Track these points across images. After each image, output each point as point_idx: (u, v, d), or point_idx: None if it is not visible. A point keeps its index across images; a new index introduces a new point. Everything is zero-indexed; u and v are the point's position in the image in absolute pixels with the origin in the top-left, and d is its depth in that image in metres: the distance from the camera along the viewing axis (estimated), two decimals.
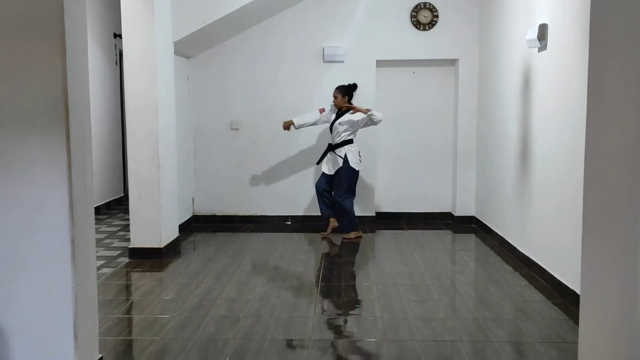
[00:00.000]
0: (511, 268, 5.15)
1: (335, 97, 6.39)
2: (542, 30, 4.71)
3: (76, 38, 2.69)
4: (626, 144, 1.82)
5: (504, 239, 5.84)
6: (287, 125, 6.40)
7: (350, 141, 6.31)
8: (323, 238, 6.45)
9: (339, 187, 6.32)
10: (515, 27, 5.53)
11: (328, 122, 6.49)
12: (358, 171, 6.40)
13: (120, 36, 7.01)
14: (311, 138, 7.02)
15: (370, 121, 6.21)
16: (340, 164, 6.28)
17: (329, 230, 6.51)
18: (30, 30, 2.57)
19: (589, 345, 2.10)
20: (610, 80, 1.94)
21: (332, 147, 6.39)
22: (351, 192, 6.39)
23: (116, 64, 8.72)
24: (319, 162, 6.58)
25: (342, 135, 6.30)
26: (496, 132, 6.20)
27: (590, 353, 2.10)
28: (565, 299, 4.22)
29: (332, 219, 6.51)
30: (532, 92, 5.05)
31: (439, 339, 3.61)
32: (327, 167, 6.41)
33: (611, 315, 1.93)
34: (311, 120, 6.45)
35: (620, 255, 1.87)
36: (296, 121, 6.41)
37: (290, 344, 3.56)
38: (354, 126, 6.30)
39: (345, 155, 6.27)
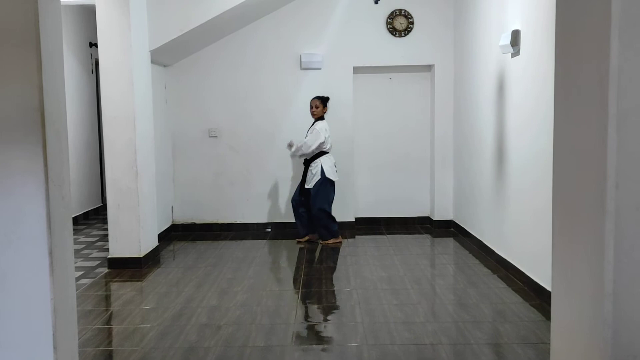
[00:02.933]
0: (489, 271, 5.22)
1: (317, 106, 6.35)
2: (515, 36, 4.80)
3: (52, 49, 2.68)
4: (592, 147, 1.88)
5: (481, 242, 5.92)
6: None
7: (322, 153, 6.32)
8: (298, 242, 6.53)
9: (315, 197, 6.30)
10: (489, 33, 5.63)
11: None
12: (334, 181, 6.40)
13: (96, 45, 6.99)
14: None
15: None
16: (319, 176, 6.27)
17: (305, 238, 6.58)
18: (5, 41, 2.56)
19: (561, 344, 2.15)
20: (576, 85, 2.00)
21: (307, 162, 6.41)
22: (329, 201, 6.37)
23: (92, 72, 8.66)
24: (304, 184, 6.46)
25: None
26: (472, 136, 6.28)
27: (562, 351, 2.15)
28: (542, 300, 4.29)
29: (309, 236, 6.59)
30: (507, 97, 5.13)
31: (419, 342, 3.64)
32: (307, 181, 6.40)
33: (581, 314, 1.98)
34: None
35: (588, 255, 1.93)
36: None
37: (271, 351, 3.57)
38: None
39: (321, 167, 6.27)
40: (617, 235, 1.79)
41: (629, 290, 1.81)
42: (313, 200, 6.32)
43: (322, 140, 6.24)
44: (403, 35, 7.06)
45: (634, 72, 1.76)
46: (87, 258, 5.97)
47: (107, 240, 5.64)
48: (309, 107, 6.46)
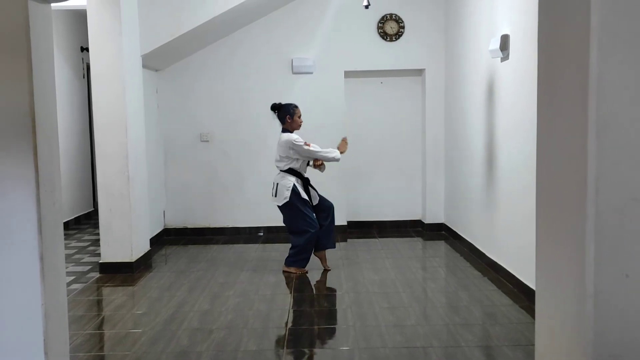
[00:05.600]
0: (480, 273, 5.25)
1: (299, 115, 5.46)
2: (504, 41, 4.84)
3: (42, 54, 2.69)
4: (573, 152, 1.91)
5: (472, 245, 5.95)
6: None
7: (292, 170, 5.47)
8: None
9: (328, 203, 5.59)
10: (479, 38, 5.67)
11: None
12: None
13: (87, 50, 6.97)
14: None
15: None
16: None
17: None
18: None
19: (545, 344, 2.19)
20: (558, 91, 2.03)
21: (307, 180, 5.51)
22: None
23: (83, 77, 8.65)
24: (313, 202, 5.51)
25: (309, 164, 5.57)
26: (463, 140, 6.32)
27: (546, 351, 2.18)
28: (531, 302, 4.31)
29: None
30: (496, 101, 5.17)
31: (411, 345, 3.66)
32: (314, 197, 5.51)
33: (564, 314, 2.01)
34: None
35: (570, 257, 1.96)
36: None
37: (263, 355, 3.58)
38: None
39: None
40: (597, 238, 1.82)
41: (609, 291, 1.84)
42: (330, 208, 5.56)
43: None
44: (394, 39, 7.10)
45: (614, 79, 1.80)
46: (78, 263, 5.96)
47: (99, 245, 5.64)
48: (298, 116, 5.44)
